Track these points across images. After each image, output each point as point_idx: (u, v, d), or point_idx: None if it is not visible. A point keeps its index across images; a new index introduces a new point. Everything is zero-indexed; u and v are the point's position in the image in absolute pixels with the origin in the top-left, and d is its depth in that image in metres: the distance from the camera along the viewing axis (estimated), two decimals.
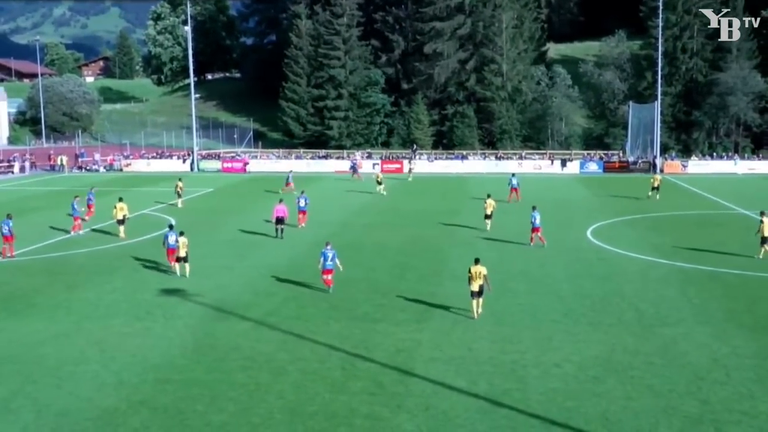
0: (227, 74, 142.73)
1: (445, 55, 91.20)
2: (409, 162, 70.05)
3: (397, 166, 72.31)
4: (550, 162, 74.21)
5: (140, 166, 76.35)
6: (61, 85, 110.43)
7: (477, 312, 22.46)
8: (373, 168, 70.03)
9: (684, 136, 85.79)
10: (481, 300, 22.53)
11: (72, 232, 37.40)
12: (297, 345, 20.32)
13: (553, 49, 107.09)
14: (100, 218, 40.26)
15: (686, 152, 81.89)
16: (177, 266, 28.21)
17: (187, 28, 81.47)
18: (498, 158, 77.00)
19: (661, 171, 67.38)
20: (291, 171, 59.49)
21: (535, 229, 33.34)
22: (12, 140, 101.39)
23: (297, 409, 16.24)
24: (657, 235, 37.01)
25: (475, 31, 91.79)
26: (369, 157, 78.20)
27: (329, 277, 25.52)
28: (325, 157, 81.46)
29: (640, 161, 73.72)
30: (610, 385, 17.46)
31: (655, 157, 72.39)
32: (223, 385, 17.53)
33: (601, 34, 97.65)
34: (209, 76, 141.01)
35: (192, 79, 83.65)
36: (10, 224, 31.76)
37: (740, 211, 44.78)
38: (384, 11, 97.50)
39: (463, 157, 77.70)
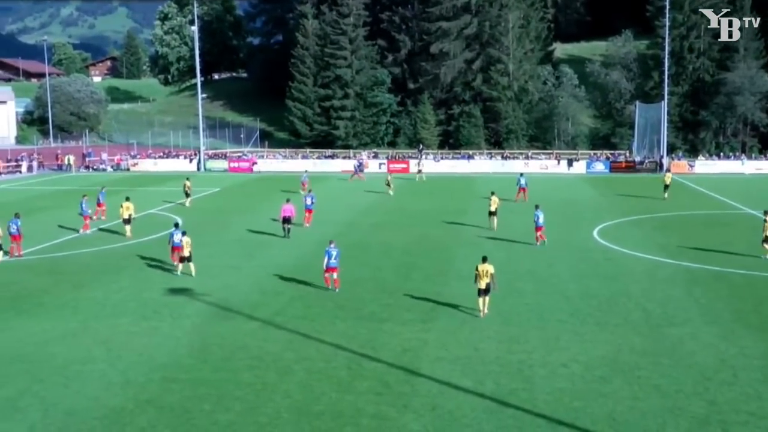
0: (234, 74, 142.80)
1: (451, 54, 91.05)
2: (418, 163, 69.29)
3: (404, 165, 72.26)
4: (556, 162, 74.14)
5: (147, 165, 76.50)
6: (68, 85, 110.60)
7: (483, 311, 22.48)
8: (380, 168, 69.90)
9: (691, 136, 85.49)
10: (487, 299, 22.58)
11: (81, 232, 37.59)
12: (303, 344, 20.35)
13: (560, 49, 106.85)
14: (111, 218, 40.48)
15: (693, 152, 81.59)
16: (180, 265, 28.33)
17: (194, 28, 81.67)
18: (504, 158, 76.84)
19: (668, 171, 67.19)
20: (306, 171, 57.81)
21: (538, 228, 33.40)
22: (20, 140, 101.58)
23: (303, 408, 16.27)
24: (664, 235, 36.94)
25: (482, 31, 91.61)
26: (375, 156, 78.09)
27: (334, 275, 25.58)
28: (332, 156, 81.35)
29: (646, 161, 73.55)
30: (617, 385, 17.44)
31: (661, 156, 72.30)
32: (230, 384, 17.56)
33: (607, 33, 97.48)
34: (216, 76, 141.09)
35: (199, 79, 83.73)
36: (18, 223, 31.90)
37: (747, 211, 44.63)
38: (390, 11, 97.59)
39: (470, 157, 77.55)
